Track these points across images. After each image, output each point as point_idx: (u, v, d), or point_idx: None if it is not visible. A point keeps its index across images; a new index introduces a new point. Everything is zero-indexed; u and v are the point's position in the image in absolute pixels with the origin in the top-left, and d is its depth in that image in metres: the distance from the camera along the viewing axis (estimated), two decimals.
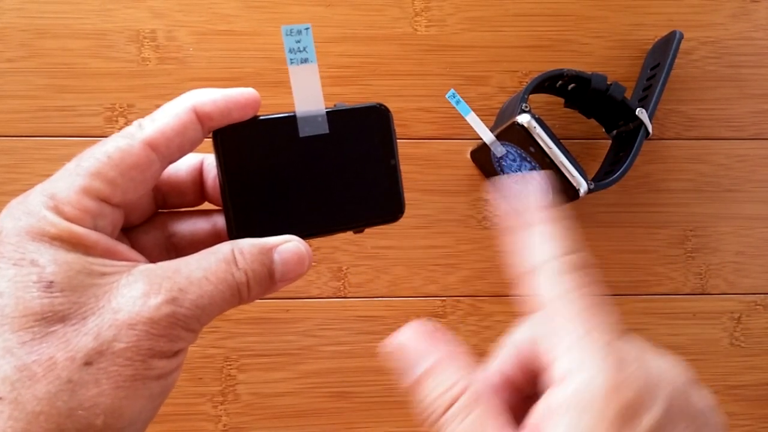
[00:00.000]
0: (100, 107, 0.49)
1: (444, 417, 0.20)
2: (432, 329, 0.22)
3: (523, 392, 0.23)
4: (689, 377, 0.20)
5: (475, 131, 0.45)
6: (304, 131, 0.25)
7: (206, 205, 0.28)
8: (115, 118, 0.49)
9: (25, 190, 0.22)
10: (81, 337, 0.20)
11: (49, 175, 0.22)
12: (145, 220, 0.27)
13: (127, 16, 0.50)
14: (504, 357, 0.23)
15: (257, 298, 0.24)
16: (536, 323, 0.22)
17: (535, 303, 0.21)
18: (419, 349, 0.21)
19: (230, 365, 0.49)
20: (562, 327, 0.20)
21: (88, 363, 0.20)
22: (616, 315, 0.20)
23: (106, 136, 0.47)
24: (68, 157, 0.22)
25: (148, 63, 0.49)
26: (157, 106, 0.22)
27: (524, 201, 0.22)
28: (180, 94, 0.25)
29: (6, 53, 0.49)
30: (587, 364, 0.19)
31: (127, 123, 0.49)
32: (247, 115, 0.25)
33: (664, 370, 0.20)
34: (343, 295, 0.50)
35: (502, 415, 0.20)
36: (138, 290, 0.21)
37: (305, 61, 0.25)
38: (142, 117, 0.24)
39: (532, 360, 0.22)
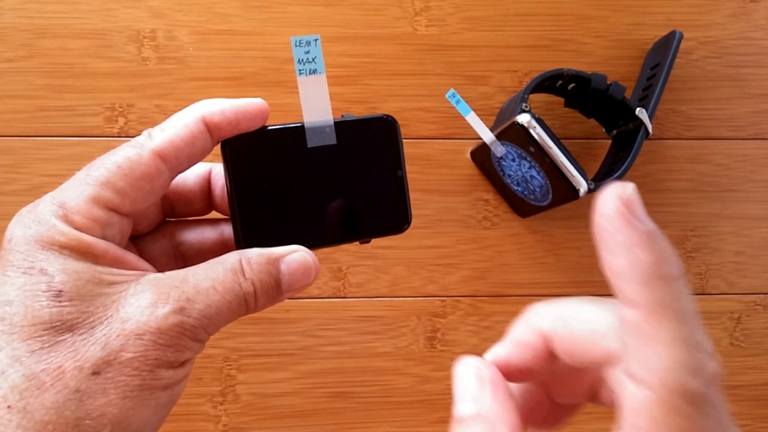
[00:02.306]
0: (100, 107, 0.49)
1: None
2: (495, 375, 0.20)
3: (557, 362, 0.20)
4: None
5: (475, 131, 0.45)
6: (311, 142, 0.26)
7: (214, 214, 0.28)
8: (115, 118, 0.49)
9: (25, 190, 0.22)
10: (89, 347, 0.20)
11: (49, 175, 0.22)
12: (153, 228, 0.27)
13: (127, 16, 0.50)
14: (573, 335, 0.19)
15: (264, 308, 0.24)
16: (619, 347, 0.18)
17: (624, 304, 0.17)
18: (474, 388, 0.20)
19: (230, 365, 0.49)
20: (647, 356, 0.16)
21: (96, 372, 0.20)
22: (707, 336, 0.17)
23: (106, 136, 0.47)
24: (68, 157, 0.22)
25: (148, 63, 0.49)
26: (157, 106, 0.22)
27: (613, 265, 0.17)
28: (180, 93, 0.25)
29: (6, 53, 0.49)
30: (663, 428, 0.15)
31: (127, 123, 0.49)
32: (256, 126, 0.25)
33: None
34: (343, 295, 0.50)
35: None
36: (146, 300, 0.21)
37: (314, 72, 0.25)
38: (142, 117, 0.24)
39: (580, 352, 0.19)
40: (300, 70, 0.25)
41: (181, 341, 0.21)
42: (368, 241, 0.27)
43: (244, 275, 0.23)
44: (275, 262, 0.24)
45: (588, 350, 0.19)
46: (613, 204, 0.16)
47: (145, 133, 0.23)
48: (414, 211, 0.28)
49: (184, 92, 0.49)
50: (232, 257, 0.23)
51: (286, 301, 0.49)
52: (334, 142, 0.26)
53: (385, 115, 0.27)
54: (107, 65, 0.49)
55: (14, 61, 0.49)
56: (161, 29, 0.50)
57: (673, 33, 0.50)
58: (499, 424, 0.18)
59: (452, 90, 0.44)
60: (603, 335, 0.18)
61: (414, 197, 0.49)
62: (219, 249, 0.27)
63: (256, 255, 0.24)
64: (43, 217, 0.21)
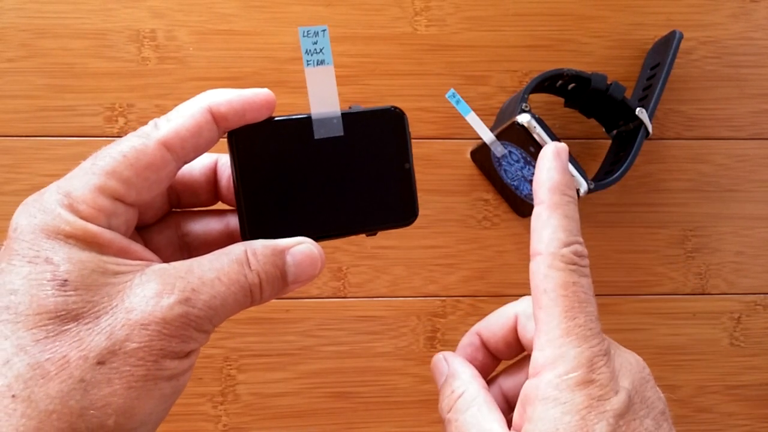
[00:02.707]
0: (100, 107, 0.49)
1: (450, 411, 0.26)
2: (452, 354, 0.29)
3: (497, 352, 0.29)
4: (647, 374, 0.24)
5: (475, 131, 0.45)
6: (318, 133, 0.25)
7: (220, 205, 0.28)
8: (114, 118, 0.49)
9: (25, 190, 0.22)
10: (94, 336, 0.20)
11: (49, 175, 0.22)
12: (159, 219, 0.27)
13: (127, 16, 0.50)
14: (490, 326, 0.29)
15: (269, 300, 0.24)
16: (525, 307, 0.28)
17: (532, 289, 0.24)
18: (441, 367, 0.28)
19: (230, 365, 0.49)
20: (545, 323, 0.23)
21: (100, 362, 0.20)
22: (597, 309, 0.24)
23: (105, 136, 0.47)
24: (68, 157, 0.22)
25: (148, 63, 0.49)
26: (157, 106, 0.22)
27: (537, 178, 0.25)
28: (180, 93, 0.25)
29: (6, 53, 0.49)
30: (560, 362, 0.22)
31: (127, 123, 0.49)
32: (262, 116, 0.25)
33: (627, 365, 0.23)
34: (343, 295, 0.50)
35: (494, 409, 0.25)
36: (151, 290, 0.21)
37: (321, 62, 0.25)
38: (142, 117, 0.24)
39: (514, 334, 0.28)
40: (307, 60, 0.25)
41: (186, 332, 0.21)
42: (375, 233, 0.27)
43: (250, 267, 0.23)
44: (281, 253, 0.24)
45: (501, 326, 0.28)
46: (552, 148, 0.25)
47: (151, 123, 0.23)
48: None
49: (184, 92, 0.49)
50: (238, 248, 0.23)
51: (286, 301, 0.49)
52: (341, 133, 0.26)
53: (392, 106, 0.26)
54: (107, 65, 0.49)
55: (14, 61, 0.49)
56: (161, 29, 0.50)
57: (673, 33, 0.50)
58: (462, 374, 0.27)
59: (452, 90, 0.44)
60: (510, 312, 0.28)
61: None
62: (224, 240, 0.27)
63: (261, 246, 0.24)
64: (48, 206, 0.21)
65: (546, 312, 0.23)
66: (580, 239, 0.24)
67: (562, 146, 0.25)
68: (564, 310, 0.23)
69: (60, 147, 0.48)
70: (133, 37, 0.50)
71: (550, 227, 0.24)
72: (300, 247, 0.24)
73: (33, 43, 0.49)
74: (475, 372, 0.28)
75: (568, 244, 0.23)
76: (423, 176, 0.51)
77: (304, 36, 0.24)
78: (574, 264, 0.23)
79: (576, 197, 0.25)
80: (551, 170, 0.24)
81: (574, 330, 0.22)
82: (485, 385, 0.27)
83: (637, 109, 0.46)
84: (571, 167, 0.42)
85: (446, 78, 0.51)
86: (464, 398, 0.26)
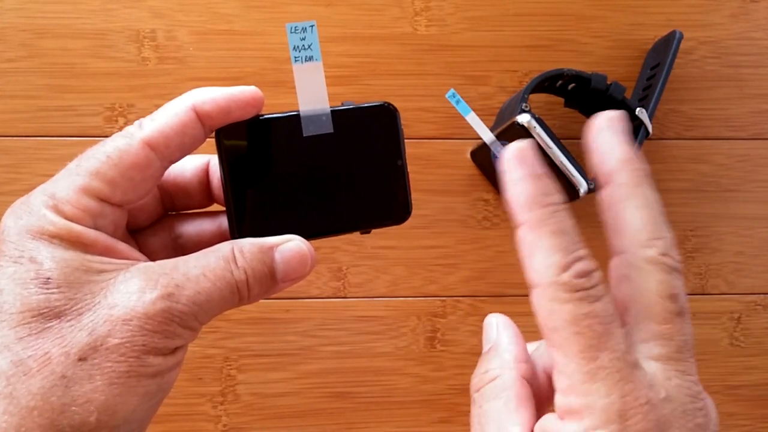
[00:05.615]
0: (100, 107, 0.49)
1: (478, 392, 0.23)
2: (509, 323, 0.25)
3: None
4: (695, 423, 0.19)
5: (475, 131, 0.45)
6: (307, 131, 0.25)
7: (214, 207, 0.28)
8: (115, 118, 0.49)
9: (25, 190, 0.22)
10: (76, 333, 0.20)
11: (49, 175, 0.22)
12: (153, 222, 0.27)
13: (127, 16, 0.50)
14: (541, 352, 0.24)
15: (259, 299, 0.24)
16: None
17: (541, 327, 0.21)
18: (489, 333, 0.25)
19: (230, 365, 0.49)
20: (564, 365, 0.20)
21: (82, 359, 0.20)
22: (622, 334, 0.20)
23: (105, 136, 0.47)
24: (68, 157, 0.22)
25: (148, 63, 0.49)
26: (157, 106, 0.22)
27: (507, 197, 0.21)
28: (180, 93, 0.25)
29: (6, 53, 0.49)
30: (587, 413, 0.19)
31: (127, 123, 0.49)
32: (249, 114, 0.25)
33: (667, 418, 0.19)
34: (343, 295, 0.50)
35: (522, 408, 0.22)
36: (134, 286, 0.21)
37: (310, 59, 0.25)
38: (142, 117, 0.24)
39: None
40: (295, 57, 0.24)
41: (170, 327, 0.21)
42: (368, 232, 0.27)
43: (236, 264, 0.23)
44: (269, 251, 0.24)
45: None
46: (511, 154, 0.21)
47: (136, 122, 0.23)
48: (414, 211, 0.27)
49: (184, 92, 0.49)
50: (225, 246, 0.23)
51: (286, 301, 0.49)
52: (331, 131, 0.25)
53: (384, 102, 0.26)
54: (107, 65, 0.49)
55: (14, 61, 0.49)
56: (161, 29, 0.50)
57: (673, 33, 0.50)
58: (505, 352, 0.23)
59: (452, 90, 0.44)
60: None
61: (414, 197, 0.48)
62: (217, 241, 0.27)
63: (249, 244, 0.23)
64: (34, 207, 0.21)
65: (562, 352, 0.20)
66: (581, 252, 0.20)
67: (523, 146, 0.21)
68: (581, 350, 0.19)
69: (60, 147, 0.48)
70: (133, 37, 0.49)
71: (539, 251, 0.20)
72: (289, 245, 0.24)
73: (33, 43, 0.49)
74: (521, 354, 0.23)
75: (566, 267, 0.20)
76: (423, 176, 0.51)
77: (291, 32, 0.24)
78: (581, 289, 0.20)
79: (561, 200, 0.21)
80: (518, 182, 0.21)
81: (598, 374, 0.19)
82: (527, 371, 0.23)
83: (637, 109, 0.46)
84: (571, 167, 0.42)
85: (446, 78, 0.51)
86: (495, 384, 0.22)
